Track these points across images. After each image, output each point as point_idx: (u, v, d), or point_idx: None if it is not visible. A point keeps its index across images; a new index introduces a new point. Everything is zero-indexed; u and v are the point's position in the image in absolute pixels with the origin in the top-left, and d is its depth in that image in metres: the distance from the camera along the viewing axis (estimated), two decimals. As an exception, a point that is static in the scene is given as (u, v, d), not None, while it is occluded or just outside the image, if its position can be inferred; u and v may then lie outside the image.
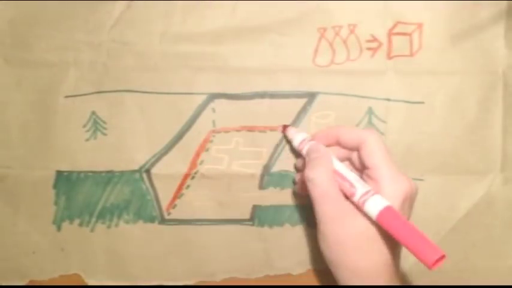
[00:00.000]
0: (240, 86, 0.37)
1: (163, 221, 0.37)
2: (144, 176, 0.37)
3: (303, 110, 0.37)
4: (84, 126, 0.37)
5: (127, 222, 0.37)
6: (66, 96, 0.37)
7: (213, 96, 0.37)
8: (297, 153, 0.37)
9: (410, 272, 0.37)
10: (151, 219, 0.37)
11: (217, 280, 0.38)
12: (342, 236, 0.30)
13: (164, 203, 0.37)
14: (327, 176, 0.30)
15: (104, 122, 0.37)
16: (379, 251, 0.29)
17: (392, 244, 0.30)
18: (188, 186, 0.37)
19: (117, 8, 0.36)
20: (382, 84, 0.37)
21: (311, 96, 0.37)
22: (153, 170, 0.37)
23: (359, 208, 0.29)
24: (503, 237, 0.37)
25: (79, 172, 0.37)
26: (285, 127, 0.36)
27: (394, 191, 0.29)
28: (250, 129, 0.37)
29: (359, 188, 0.29)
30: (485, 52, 0.37)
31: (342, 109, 0.37)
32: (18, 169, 0.37)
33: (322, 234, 0.30)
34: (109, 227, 0.37)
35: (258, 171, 0.37)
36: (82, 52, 0.36)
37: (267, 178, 0.37)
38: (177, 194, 0.37)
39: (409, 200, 0.30)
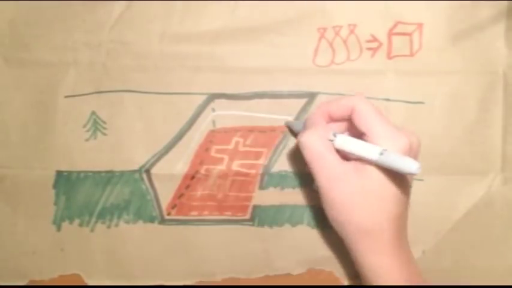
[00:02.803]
0: (240, 86, 0.37)
1: (163, 221, 0.37)
2: (144, 176, 0.37)
3: (303, 110, 0.37)
4: (84, 126, 0.37)
5: (127, 222, 0.37)
6: (66, 96, 0.37)
7: (213, 96, 0.37)
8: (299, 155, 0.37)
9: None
10: (151, 219, 0.37)
11: (217, 280, 0.38)
12: (340, 196, 0.30)
13: (164, 203, 0.37)
14: (318, 139, 0.31)
15: (104, 122, 0.37)
16: (380, 207, 0.30)
17: (397, 200, 0.30)
18: (188, 186, 0.37)
19: (116, 8, 0.36)
20: (382, 84, 0.37)
21: (311, 96, 0.37)
22: (153, 170, 0.37)
23: (379, 164, 0.29)
24: (503, 237, 0.37)
25: (79, 172, 0.37)
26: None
27: (393, 149, 0.29)
28: (250, 129, 0.37)
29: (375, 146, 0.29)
30: (485, 52, 0.37)
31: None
32: (17, 169, 0.37)
33: (322, 196, 0.31)
34: (109, 227, 0.37)
35: (258, 171, 0.37)
36: (81, 52, 0.36)
37: (267, 178, 0.37)
38: (177, 194, 0.37)
39: (412, 153, 0.30)
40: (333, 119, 0.33)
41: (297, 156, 0.37)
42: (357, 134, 0.31)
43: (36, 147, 0.37)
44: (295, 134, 0.37)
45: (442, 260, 0.37)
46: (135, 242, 0.37)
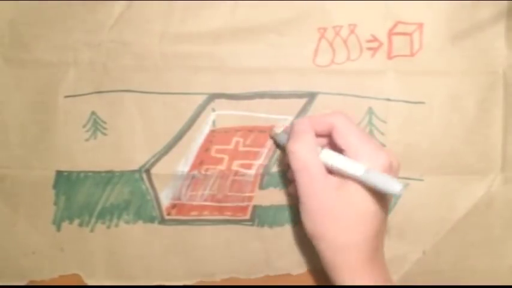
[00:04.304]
0: (240, 86, 0.37)
1: (163, 221, 0.37)
2: (144, 176, 0.37)
3: (303, 110, 0.37)
4: (84, 126, 0.37)
5: (127, 222, 0.37)
6: (66, 96, 0.37)
7: (213, 96, 0.37)
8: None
9: (410, 272, 0.37)
10: (151, 220, 0.37)
11: (217, 280, 0.38)
12: (320, 210, 0.31)
13: (164, 203, 0.37)
14: (307, 149, 0.31)
15: (104, 122, 0.37)
16: (358, 225, 0.30)
17: (375, 219, 0.30)
18: (188, 186, 0.37)
19: (116, 8, 0.36)
20: (383, 84, 0.37)
21: (311, 96, 0.37)
22: (153, 170, 0.37)
23: (363, 182, 0.30)
24: (503, 237, 0.37)
25: (79, 172, 0.37)
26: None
27: (373, 166, 0.30)
28: (250, 129, 0.37)
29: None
30: (485, 52, 0.37)
31: (342, 109, 0.37)
32: (17, 169, 0.37)
33: (302, 205, 0.31)
34: (109, 227, 0.37)
35: (258, 171, 0.37)
36: (81, 52, 0.36)
37: (267, 178, 0.37)
38: (177, 194, 0.37)
39: (392, 173, 0.31)
40: (315, 133, 0.33)
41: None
42: (337, 151, 0.32)
43: (36, 147, 0.37)
44: (279, 144, 0.37)
45: (442, 260, 0.37)
46: (135, 242, 0.37)
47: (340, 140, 0.31)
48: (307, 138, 0.32)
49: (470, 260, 0.37)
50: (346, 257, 0.30)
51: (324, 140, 0.33)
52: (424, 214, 0.37)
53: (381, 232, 0.32)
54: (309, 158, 0.31)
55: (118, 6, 0.36)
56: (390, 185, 0.28)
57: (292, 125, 0.34)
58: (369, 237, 0.30)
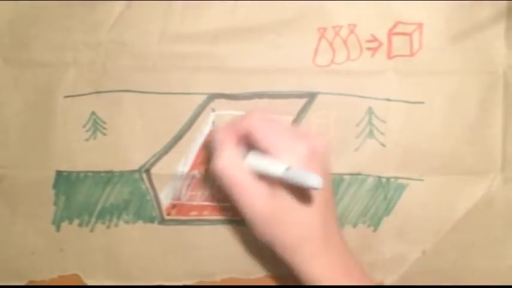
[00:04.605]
0: (240, 86, 0.37)
1: (163, 221, 0.37)
2: (144, 176, 0.37)
3: (303, 110, 0.37)
4: (84, 126, 0.37)
5: (127, 222, 0.37)
6: (65, 96, 0.37)
7: (213, 96, 0.37)
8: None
9: (410, 272, 0.37)
10: (151, 220, 0.37)
11: (216, 280, 0.38)
12: (261, 219, 0.31)
13: (164, 203, 0.37)
14: (230, 164, 0.31)
15: (104, 122, 0.37)
16: (301, 223, 0.30)
17: (316, 211, 0.30)
18: (188, 186, 0.37)
19: (116, 8, 0.36)
20: (382, 84, 0.37)
21: (311, 96, 0.37)
22: (153, 170, 0.37)
23: (285, 182, 0.29)
24: (503, 237, 0.37)
25: (79, 172, 0.37)
26: None
27: (291, 160, 0.29)
28: (250, 129, 0.37)
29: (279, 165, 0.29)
30: (485, 52, 0.37)
31: (342, 109, 0.37)
32: (17, 169, 0.37)
33: (246, 219, 0.32)
34: (108, 227, 0.37)
35: (257, 171, 0.37)
36: (81, 52, 0.36)
37: (267, 178, 0.37)
38: (177, 194, 0.37)
39: (318, 156, 0.30)
40: (241, 138, 0.32)
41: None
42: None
43: (36, 147, 0.37)
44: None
45: (442, 260, 0.37)
46: (134, 242, 0.37)
47: (257, 143, 0.31)
48: (227, 151, 0.31)
49: (470, 260, 0.37)
50: (299, 254, 0.31)
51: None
52: (424, 214, 0.37)
53: (328, 218, 0.31)
54: (234, 173, 0.31)
55: (117, 6, 0.36)
56: (309, 180, 0.28)
57: (211, 139, 0.33)
58: (315, 230, 0.30)
